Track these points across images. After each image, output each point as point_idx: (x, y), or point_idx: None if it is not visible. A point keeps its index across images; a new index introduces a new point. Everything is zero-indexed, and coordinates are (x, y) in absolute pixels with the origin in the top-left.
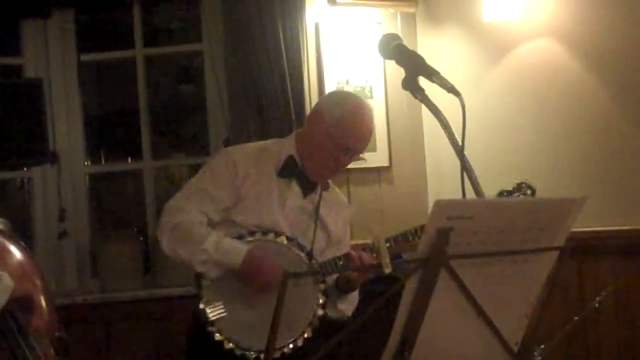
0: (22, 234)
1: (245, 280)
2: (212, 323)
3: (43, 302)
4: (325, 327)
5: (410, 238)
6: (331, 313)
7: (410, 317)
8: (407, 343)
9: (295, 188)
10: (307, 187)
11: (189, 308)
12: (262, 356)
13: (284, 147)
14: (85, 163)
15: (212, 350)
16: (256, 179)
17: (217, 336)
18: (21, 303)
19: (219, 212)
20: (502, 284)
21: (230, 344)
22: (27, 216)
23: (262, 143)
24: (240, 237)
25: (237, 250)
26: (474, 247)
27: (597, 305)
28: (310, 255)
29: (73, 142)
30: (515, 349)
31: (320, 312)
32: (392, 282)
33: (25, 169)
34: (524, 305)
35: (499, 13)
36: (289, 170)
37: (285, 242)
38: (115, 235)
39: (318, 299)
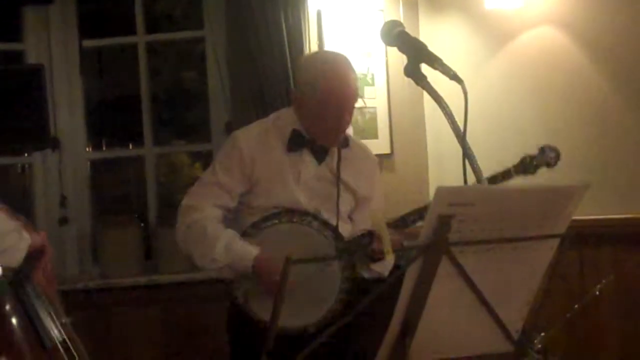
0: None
1: (258, 281)
2: (247, 307)
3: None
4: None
5: (409, 223)
6: (366, 274)
7: (412, 304)
8: (408, 329)
9: (307, 157)
10: (320, 153)
11: (190, 294)
12: (309, 329)
13: (287, 121)
14: (87, 149)
15: (252, 326)
16: (266, 161)
17: (256, 316)
18: (33, 254)
19: (234, 200)
20: (503, 271)
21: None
22: (28, 202)
23: (267, 121)
24: (266, 219)
25: (246, 255)
26: (476, 234)
27: (598, 293)
28: (335, 232)
29: (74, 128)
30: (516, 336)
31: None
32: (392, 269)
33: (26, 154)
34: (525, 293)
35: (501, 1)
36: (297, 142)
37: (309, 221)
38: (116, 222)
39: (342, 283)
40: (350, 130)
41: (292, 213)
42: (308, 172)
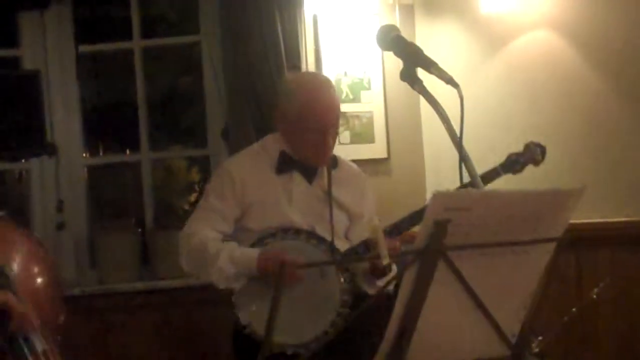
0: (20, 225)
1: (268, 281)
2: (248, 326)
3: (19, 304)
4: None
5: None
6: (370, 290)
7: (408, 308)
8: (405, 334)
9: (297, 178)
10: (310, 173)
11: (187, 299)
12: (300, 350)
13: (274, 144)
14: (84, 155)
15: (255, 348)
16: (256, 183)
17: (255, 337)
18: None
19: (230, 225)
20: (500, 275)
21: None
22: (25, 208)
23: (254, 147)
24: (261, 240)
25: (249, 256)
26: (472, 238)
27: (595, 296)
28: (332, 247)
29: (71, 134)
30: (513, 340)
31: (344, 309)
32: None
33: (23, 160)
34: (522, 297)
35: (497, 4)
36: (286, 164)
37: (304, 238)
38: (114, 227)
39: (343, 296)
40: (346, 135)
41: (287, 231)
42: (300, 192)
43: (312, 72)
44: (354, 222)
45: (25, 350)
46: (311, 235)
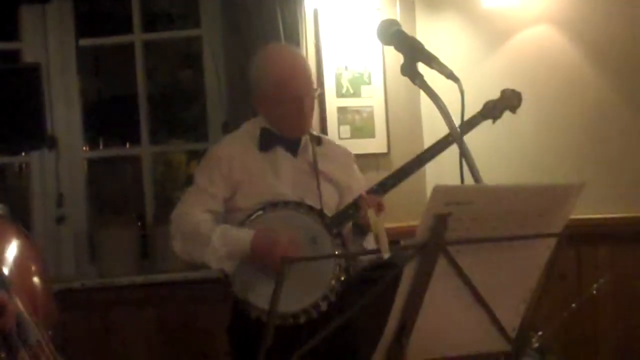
0: (20, 218)
1: (260, 263)
2: (246, 302)
3: (19, 304)
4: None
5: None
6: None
7: (408, 303)
8: (405, 329)
9: (282, 153)
10: (293, 146)
11: (186, 293)
12: (301, 319)
13: (255, 125)
14: (84, 148)
15: (254, 326)
16: (242, 163)
17: (254, 313)
18: None
19: (220, 204)
20: (500, 270)
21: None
22: (25, 201)
23: (236, 132)
24: (250, 216)
25: (243, 238)
26: (472, 232)
27: (595, 292)
28: (321, 213)
29: (71, 127)
30: (513, 334)
31: (337, 283)
32: (388, 268)
33: (23, 153)
34: (522, 292)
35: None
36: (268, 140)
37: (293, 207)
38: (114, 221)
39: (336, 269)
40: (347, 130)
41: (275, 205)
42: (286, 166)
43: (279, 44)
44: (343, 195)
45: (19, 343)
46: (299, 204)
